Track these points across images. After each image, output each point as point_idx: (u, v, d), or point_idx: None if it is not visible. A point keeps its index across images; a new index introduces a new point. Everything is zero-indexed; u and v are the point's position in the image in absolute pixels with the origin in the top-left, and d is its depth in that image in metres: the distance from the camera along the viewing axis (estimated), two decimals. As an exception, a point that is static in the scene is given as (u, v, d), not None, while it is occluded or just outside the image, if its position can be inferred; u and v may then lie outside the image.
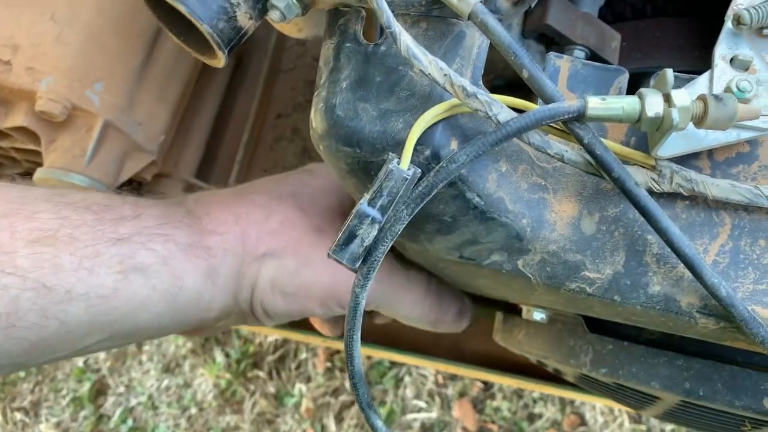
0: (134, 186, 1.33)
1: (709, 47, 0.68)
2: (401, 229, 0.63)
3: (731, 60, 0.65)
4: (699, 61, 0.85)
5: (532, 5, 0.82)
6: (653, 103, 0.57)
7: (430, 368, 2.26)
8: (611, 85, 0.69)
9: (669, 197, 0.66)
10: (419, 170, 0.64)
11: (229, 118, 1.60)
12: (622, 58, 0.88)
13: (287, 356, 2.39)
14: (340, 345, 1.82)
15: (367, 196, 0.62)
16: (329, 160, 0.73)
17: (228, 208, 0.89)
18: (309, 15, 0.74)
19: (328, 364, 2.36)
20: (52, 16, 1.09)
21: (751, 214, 0.65)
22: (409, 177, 0.62)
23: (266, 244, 0.88)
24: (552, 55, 0.69)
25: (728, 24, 0.67)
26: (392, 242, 0.63)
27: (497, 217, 0.68)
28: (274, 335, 2.31)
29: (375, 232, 0.62)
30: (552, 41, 0.86)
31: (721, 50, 0.66)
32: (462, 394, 2.30)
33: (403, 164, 0.62)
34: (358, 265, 0.63)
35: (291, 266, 0.88)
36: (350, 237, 0.62)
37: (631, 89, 0.84)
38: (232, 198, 0.91)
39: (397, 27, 0.58)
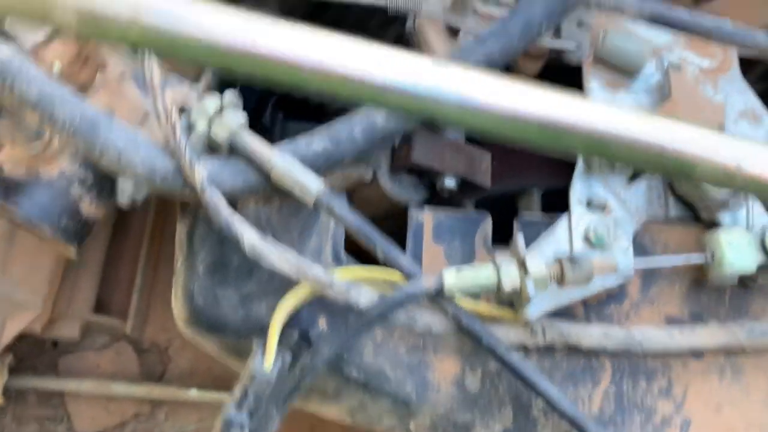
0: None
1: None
2: (275, 427, 0.60)
3: (588, 203, 0.65)
4: (570, 175, 0.86)
5: (396, 143, 0.81)
6: (509, 277, 0.56)
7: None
8: (476, 233, 0.68)
9: (547, 348, 0.64)
10: (289, 356, 0.61)
11: (124, 239, 1.52)
12: (494, 177, 0.87)
13: None
14: None
15: (233, 400, 0.59)
16: (199, 344, 0.70)
17: None
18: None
19: None
20: None
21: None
22: (274, 378, 0.58)
23: None
24: (414, 211, 0.68)
25: (580, 164, 0.67)
26: (267, 442, 0.60)
27: (379, 387, 0.65)
28: None
29: (246, 436, 0.58)
30: (423, 172, 0.85)
31: (576, 194, 0.66)
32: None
33: (267, 362, 0.59)
34: (233, 471, 0.59)
35: None
36: (220, 446, 0.58)
37: (507, 208, 0.83)
38: None
39: (239, 229, 0.56)
